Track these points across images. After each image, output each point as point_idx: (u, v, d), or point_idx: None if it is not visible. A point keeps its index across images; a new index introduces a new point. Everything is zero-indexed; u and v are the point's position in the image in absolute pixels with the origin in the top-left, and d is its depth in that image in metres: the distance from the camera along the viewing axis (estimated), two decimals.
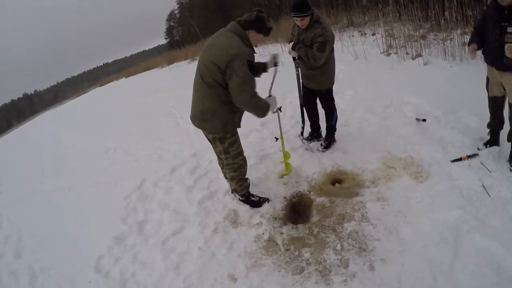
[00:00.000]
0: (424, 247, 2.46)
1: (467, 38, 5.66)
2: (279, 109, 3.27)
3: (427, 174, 3.16)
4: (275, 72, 3.13)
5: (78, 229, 3.80)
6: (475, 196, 2.78)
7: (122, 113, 9.35)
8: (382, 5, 8.33)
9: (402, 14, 7.61)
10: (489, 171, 2.99)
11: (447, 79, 5.11)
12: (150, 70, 21.45)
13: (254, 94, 2.68)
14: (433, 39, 6.78)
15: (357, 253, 2.56)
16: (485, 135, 3.38)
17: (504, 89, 2.93)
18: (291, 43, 3.51)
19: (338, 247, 2.63)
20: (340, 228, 2.82)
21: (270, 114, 2.92)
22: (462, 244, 2.40)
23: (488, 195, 2.76)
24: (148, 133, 6.37)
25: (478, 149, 3.30)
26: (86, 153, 6.50)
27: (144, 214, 3.66)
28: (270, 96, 3.04)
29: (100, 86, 27.36)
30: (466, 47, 5.54)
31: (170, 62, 19.60)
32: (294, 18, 3.30)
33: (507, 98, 2.98)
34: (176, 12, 37.37)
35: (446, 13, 6.40)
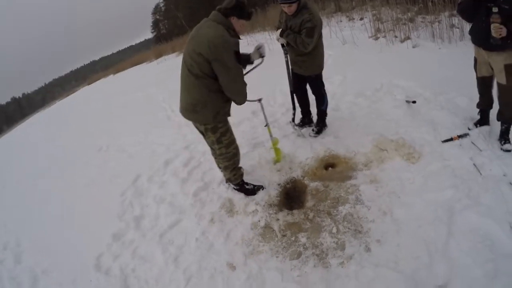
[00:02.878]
0: (419, 227, 2.50)
1: (455, 20, 5.73)
2: (259, 100, 3.36)
3: (419, 155, 3.19)
4: (259, 64, 3.12)
5: (76, 229, 3.79)
6: (467, 175, 2.82)
7: (112, 110, 9.27)
8: None
9: None
10: (480, 150, 3.04)
11: (436, 61, 5.13)
12: (138, 65, 21.25)
13: (244, 83, 2.74)
14: (421, 21, 6.78)
15: (353, 235, 2.59)
16: (475, 115, 3.42)
17: (492, 69, 2.96)
18: (279, 30, 3.49)
19: (334, 230, 2.66)
20: (335, 211, 2.85)
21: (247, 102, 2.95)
22: (455, 223, 2.45)
23: (480, 173, 2.80)
24: (140, 128, 6.34)
25: (469, 129, 3.34)
26: (79, 152, 6.44)
27: (140, 209, 3.66)
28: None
29: (89, 84, 27.03)
30: (455, 30, 5.61)
31: (158, 56, 19.45)
32: (282, 4, 3.27)
33: (495, 78, 3.01)
34: (161, 5, 36.85)
35: None
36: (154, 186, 3.99)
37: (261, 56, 3.01)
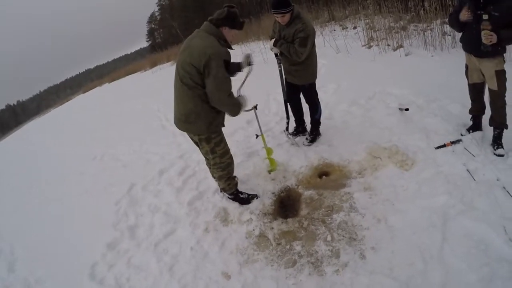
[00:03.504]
0: (413, 234, 2.51)
1: (447, 27, 5.80)
2: (255, 107, 3.37)
3: (413, 162, 3.22)
4: (249, 72, 3.13)
5: (70, 238, 3.75)
6: (461, 180, 2.85)
7: (107, 119, 9.24)
8: None
9: (382, 7, 7.69)
10: (473, 155, 3.07)
11: (428, 68, 5.20)
12: (133, 74, 21.24)
13: (231, 94, 2.73)
14: (414, 29, 6.87)
15: (348, 243, 2.60)
16: (468, 121, 3.46)
17: (483, 75, 3.01)
18: (273, 40, 3.52)
19: (329, 238, 2.67)
20: (329, 219, 2.86)
21: (242, 112, 2.95)
22: (450, 228, 2.46)
23: (473, 179, 2.83)
24: (135, 137, 6.32)
25: (461, 135, 3.38)
26: (74, 161, 6.40)
27: (135, 218, 3.64)
28: (240, 95, 3.00)
29: (83, 93, 26.93)
30: (447, 37, 5.68)
31: (153, 65, 19.45)
32: (275, 14, 3.31)
33: (486, 84, 3.05)
34: (156, 14, 37.13)
35: (426, 4, 6.51)
36: (149, 195, 3.97)
37: (249, 64, 3.03)
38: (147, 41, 39.33)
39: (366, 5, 8.25)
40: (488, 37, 2.64)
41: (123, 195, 4.15)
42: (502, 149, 3.04)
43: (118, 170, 5.11)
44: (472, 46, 2.91)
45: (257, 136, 3.59)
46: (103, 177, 5.04)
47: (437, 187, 2.85)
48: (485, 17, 2.63)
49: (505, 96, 2.98)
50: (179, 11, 27.38)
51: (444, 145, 3.28)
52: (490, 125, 3.16)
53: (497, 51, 2.79)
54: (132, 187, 4.29)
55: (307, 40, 3.29)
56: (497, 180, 2.75)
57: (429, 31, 6.21)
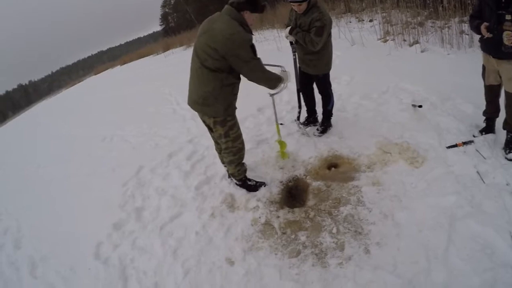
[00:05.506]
0: (419, 232, 2.49)
1: (465, 26, 5.68)
2: (272, 94, 3.38)
3: (423, 160, 3.18)
4: (284, 87, 3.10)
5: (76, 217, 3.80)
6: (470, 182, 2.81)
7: (118, 101, 9.30)
8: None
9: (400, 1, 7.55)
10: (484, 158, 3.02)
11: (444, 66, 5.10)
12: (145, 58, 21.26)
13: (265, 70, 2.79)
14: (431, 26, 6.73)
15: (353, 236, 2.59)
16: (481, 122, 3.40)
17: (500, 77, 2.94)
18: (289, 28, 3.49)
19: (334, 231, 2.66)
20: (336, 211, 2.85)
21: (282, 86, 3.02)
22: (456, 229, 2.43)
23: (483, 181, 2.78)
24: (145, 120, 6.35)
25: (474, 136, 3.32)
26: (83, 142, 6.47)
27: (142, 200, 3.67)
28: (283, 71, 3.08)
29: (95, 74, 27.10)
30: (465, 36, 5.56)
31: (166, 49, 19.46)
32: (292, 3, 3.27)
33: (503, 87, 2.98)
34: None
35: (444, 1, 6.37)
36: (157, 178, 4.00)
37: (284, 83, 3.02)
38: (161, 25, 39.17)
39: None
40: (510, 38, 2.55)
41: (131, 177, 4.18)
42: None
43: (127, 152, 5.15)
44: (492, 47, 2.82)
45: (281, 123, 3.49)
46: (111, 158, 5.09)
47: (446, 187, 2.82)
48: (508, 17, 2.54)
49: None
50: None
51: (456, 145, 3.23)
52: (504, 128, 3.10)
53: None
54: (140, 169, 4.32)
55: (323, 30, 3.25)
56: (507, 184, 2.70)
57: (446, 29, 6.09)
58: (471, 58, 4.89)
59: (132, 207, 3.59)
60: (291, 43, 3.57)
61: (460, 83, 4.26)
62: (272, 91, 3.13)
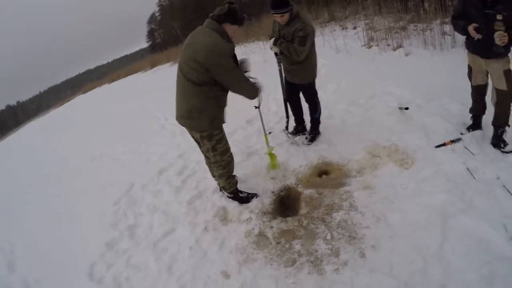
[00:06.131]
0: (413, 232, 2.50)
1: (447, 27, 5.78)
2: (257, 107, 3.41)
3: (412, 161, 3.21)
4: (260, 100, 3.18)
5: (69, 237, 3.73)
6: (460, 179, 2.84)
7: (106, 119, 9.24)
8: None
9: (382, 7, 7.70)
10: (473, 154, 3.06)
11: (428, 68, 5.19)
12: (133, 75, 21.24)
13: (246, 79, 2.84)
14: (413, 29, 6.86)
15: (347, 241, 2.59)
16: (467, 120, 3.45)
17: (487, 76, 2.98)
18: (273, 39, 3.52)
19: (328, 237, 2.66)
20: (329, 218, 2.85)
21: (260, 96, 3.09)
22: (450, 227, 2.45)
23: (473, 177, 2.82)
24: (134, 137, 6.31)
25: (461, 133, 3.36)
26: (73, 161, 6.39)
27: (134, 218, 3.63)
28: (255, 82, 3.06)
29: (83, 93, 26.93)
30: (447, 37, 5.66)
31: (153, 65, 19.47)
32: (274, 14, 3.31)
33: (490, 85, 3.02)
34: (157, 14, 37.08)
35: (426, 4, 6.50)
36: (148, 195, 3.96)
37: (246, 71, 3.03)
38: (147, 41, 39.31)
39: (366, 5, 8.26)
40: (502, 38, 2.56)
41: (122, 195, 4.14)
42: (510, 145, 3.04)
43: (117, 170, 5.10)
44: (481, 47, 2.84)
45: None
46: (102, 177, 5.03)
47: (436, 186, 2.84)
48: (499, 17, 2.56)
49: None
50: (179, 12, 27.35)
51: (444, 144, 3.27)
52: (493, 124, 3.14)
53: (507, 51, 2.76)
54: (131, 187, 4.28)
55: (306, 39, 3.29)
56: (497, 178, 2.74)
57: (428, 31, 6.21)
58: (454, 58, 4.99)
59: (125, 225, 3.54)
60: (275, 54, 3.60)
61: (444, 83, 4.34)
62: (257, 103, 3.17)
